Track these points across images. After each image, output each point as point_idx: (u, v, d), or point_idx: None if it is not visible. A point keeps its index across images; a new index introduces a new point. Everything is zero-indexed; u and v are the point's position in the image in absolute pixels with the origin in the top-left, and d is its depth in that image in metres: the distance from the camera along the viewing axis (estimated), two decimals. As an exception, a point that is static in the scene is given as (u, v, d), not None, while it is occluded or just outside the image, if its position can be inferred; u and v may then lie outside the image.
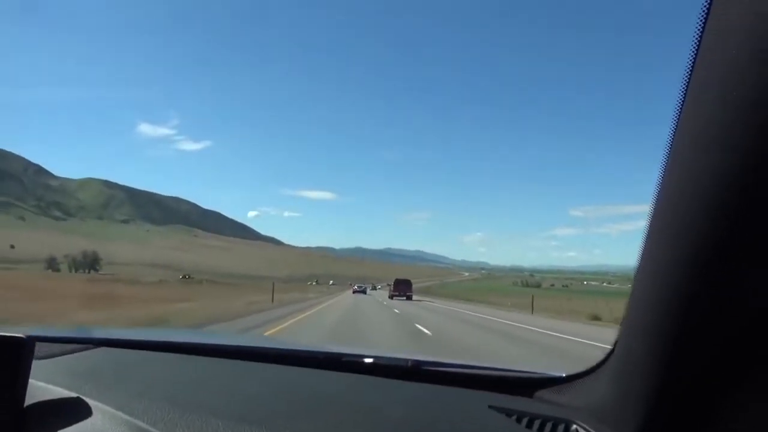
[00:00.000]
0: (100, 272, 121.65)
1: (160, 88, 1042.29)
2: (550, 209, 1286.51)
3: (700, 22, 0.62)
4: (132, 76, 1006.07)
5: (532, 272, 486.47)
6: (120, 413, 1.06)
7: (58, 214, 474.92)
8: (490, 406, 1.14)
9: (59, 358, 1.50)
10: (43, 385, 1.14)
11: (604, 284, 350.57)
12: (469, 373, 1.41)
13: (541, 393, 1.21)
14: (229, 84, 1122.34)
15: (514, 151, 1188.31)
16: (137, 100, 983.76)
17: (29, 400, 1.00)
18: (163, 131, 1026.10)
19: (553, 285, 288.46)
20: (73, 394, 1.11)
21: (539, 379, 1.25)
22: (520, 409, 1.11)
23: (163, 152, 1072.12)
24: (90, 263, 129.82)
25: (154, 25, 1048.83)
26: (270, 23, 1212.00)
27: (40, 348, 1.31)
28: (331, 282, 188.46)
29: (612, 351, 0.94)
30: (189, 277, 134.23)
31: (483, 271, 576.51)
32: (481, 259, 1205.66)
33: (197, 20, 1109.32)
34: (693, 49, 0.63)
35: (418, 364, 1.44)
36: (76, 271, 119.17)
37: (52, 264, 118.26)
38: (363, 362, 1.50)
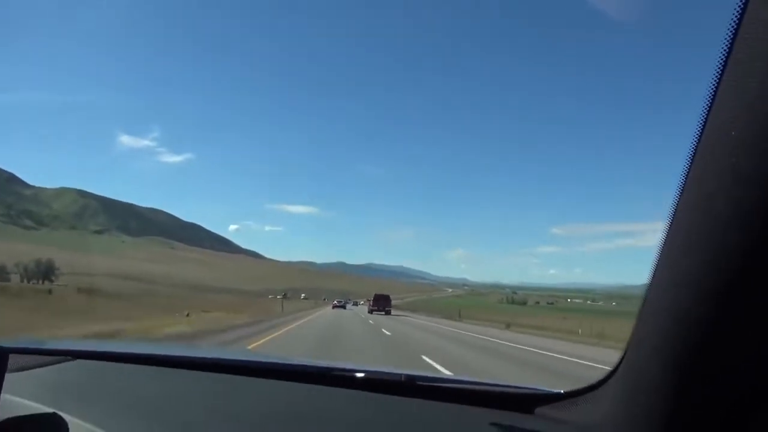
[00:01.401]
0: (54, 283, 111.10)
1: (142, 99, 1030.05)
2: (532, 227, 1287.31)
3: (731, 33, 0.59)
4: (114, 87, 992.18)
5: (514, 289, 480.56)
6: (98, 429, 1.01)
7: (28, 223, 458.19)
8: (491, 423, 1.09)
9: (34, 370, 1.43)
10: (18, 399, 1.09)
11: (588, 302, 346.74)
12: (466, 389, 1.36)
13: (543, 410, 1.17)
14: (212, 97, 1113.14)
15: (497, 168, 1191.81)
16: (118, 112, 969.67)
17: (3, 415, 0.96)
18: (143, 143, 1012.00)
19: (538, 302, 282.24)
20: (50, 410, 1.05)
21: (540, 395, 1.21)
22: (523, 426, 1.08)
23: (143, 164, 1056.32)
24: (44, 273, 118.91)
25: (139, 36, 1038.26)
26: (254, 37, 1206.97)
27: (13, 360, 1.26)
28: (302, 296, 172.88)
29: (616, 368, 0.91)
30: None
31: (466, 288, 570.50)
32: (463, 276, 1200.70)
33: (181, 33, 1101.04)
34: (722, 57, 0.61)
35: (412, 378, 1.37)
36: (28, 281, 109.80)
37: (1, 273, 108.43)
38: (354, 376, 1.43)
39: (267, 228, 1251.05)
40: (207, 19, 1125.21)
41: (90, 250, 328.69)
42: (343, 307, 67.85)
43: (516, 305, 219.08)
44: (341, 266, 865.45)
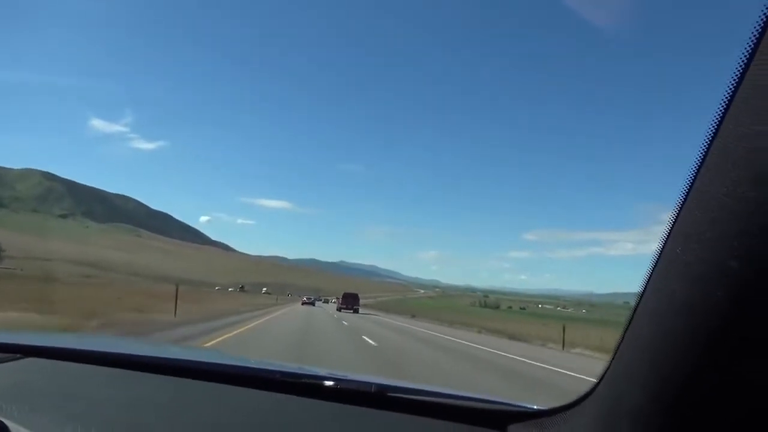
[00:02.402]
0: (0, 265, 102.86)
1: (116, 84, 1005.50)
2: (505, 231, 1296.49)
3: (754, 39, 0.58)
4: (87, 70, 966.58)
5: (485, 292, 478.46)
6: None
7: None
8: None
9: None
10: None
11: (558, 308, 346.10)
12: (437, 402, 1.29)
13: (516, 427, 1.12)
14: (188, 86, 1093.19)
15: (473, 172, 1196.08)
16: (91, 95, 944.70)
17: None
18: (116, 128, 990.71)
19: (510, 307, 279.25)
20: None
21: (514, 412, 1.16)
22: None
23: (114, 149, 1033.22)
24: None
25: (117, 19, 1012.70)
26: (235, 28, 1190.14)
27: None
28: (264, 290, 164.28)
29: (597, 385, 0.86)
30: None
31: (437, 290, 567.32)
32: (434, 277, 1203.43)
33: (160, 20, 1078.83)
34: (739, 69, 0.59)
35: (383, 389, 1.31)
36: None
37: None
38: (323, 385, 1.36)
39: (239, 221, 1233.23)
40: (186, 8, 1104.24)
41: (50, 234, 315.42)
42: (312, 304, 67.08)
43: (489, 309, 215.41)
44: (313, 263, 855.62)
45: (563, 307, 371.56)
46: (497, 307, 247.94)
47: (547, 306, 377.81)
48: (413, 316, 55.35)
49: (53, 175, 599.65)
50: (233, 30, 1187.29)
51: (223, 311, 27.98)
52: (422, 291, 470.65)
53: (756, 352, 0.57)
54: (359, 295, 54.52)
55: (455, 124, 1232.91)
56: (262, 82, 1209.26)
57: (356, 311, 49.10)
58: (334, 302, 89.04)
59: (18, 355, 1.45)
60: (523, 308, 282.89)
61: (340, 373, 1.51)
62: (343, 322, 26.58)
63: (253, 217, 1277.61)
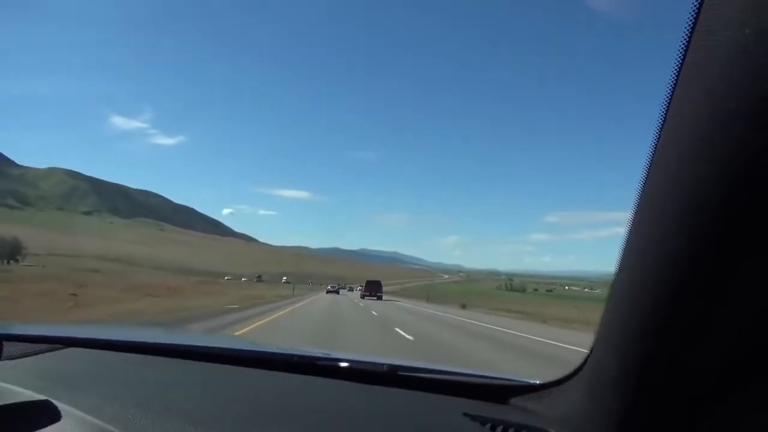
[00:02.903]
0: (21, 263, 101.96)
1: (135, 81, 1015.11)
2: (526, 214, 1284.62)
3: (687, 34, 0.60)
4: (107, 68, 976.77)
5: (509, 276, 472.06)
6: (90, 417, 1.00)
7: (12, 203, 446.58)
8: (464, 414, 1.11)
9: (27, 358, 1.45)
10: (10, 387, 1.10)
11: (586, 290, 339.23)
12: (444, 379, 1.39)
13: (516, 400, 1.19)
14: (206, 80, 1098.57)
15: (492, 155, 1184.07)
16: (111, 93, 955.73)
17: None
18: (135, 124, 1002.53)
19: (536, 289, 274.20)
20: (42, 397, 1.05)
21: (514, 386, 1.22)
22: (495, 416, 1.08)
23: (135, 145, 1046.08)
24: (9, 252, 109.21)
25: (133, 18, 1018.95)
26: (249, 20, 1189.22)
27: (6, 348, 1.31)
28: (284, 279, 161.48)
29: (586, 359, 0.91)
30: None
31: (461, 274, 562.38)
32: (457, 262, 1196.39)
33: (176, 14, 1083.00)
34: (679, 57, 0.61)
35: (393, 369, 1.40)
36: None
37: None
38: (338, 366, 1.47)
39: (261, 212, 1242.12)
40: (201, 3, 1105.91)
41: (75, 231, 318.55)
42: (337, 292, 68.51)
43: (515, 292, 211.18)
44: (336, 251, 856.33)
45: (591, 288, 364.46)
46: (523, 290, 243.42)
47: (574, 288, 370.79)
48: (464, 306, 45.24)
49: (77, 173, 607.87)
50: (247, 22, 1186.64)
51: (200, 311, 18.98)
52: (446, 276, 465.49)
53: (696, 334, 0.60)
54: (382, 282, 55.58)
55: (472, 108, 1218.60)
56: (278, 74, 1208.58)
57: (380, 298, 49.05)
58: (359, 290, 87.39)
59: (60, 346, 1.59)
60: (550, 290, 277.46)
61: (355, 355, 1.63)
62: (399, 330, 15.43)
63: (274, 208, 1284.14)
